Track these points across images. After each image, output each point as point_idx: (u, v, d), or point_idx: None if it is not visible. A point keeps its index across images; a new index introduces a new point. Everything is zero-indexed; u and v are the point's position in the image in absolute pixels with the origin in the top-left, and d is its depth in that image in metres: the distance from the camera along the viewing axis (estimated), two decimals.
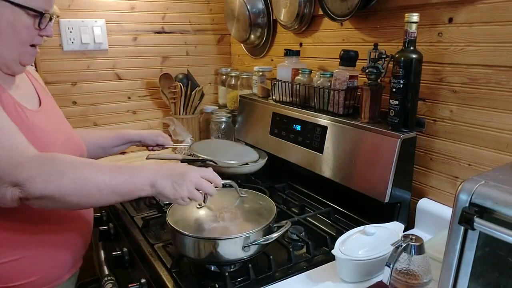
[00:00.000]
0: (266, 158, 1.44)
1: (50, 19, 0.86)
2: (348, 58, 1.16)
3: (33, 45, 0.87)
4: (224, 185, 1.02)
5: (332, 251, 0.87)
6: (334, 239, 0.92)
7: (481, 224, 0.54)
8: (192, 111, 1.83)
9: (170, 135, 1.80)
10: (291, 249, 0.96)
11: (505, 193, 0.54)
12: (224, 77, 1.94)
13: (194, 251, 0.87)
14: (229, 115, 1.76)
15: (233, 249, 0.85)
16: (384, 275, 0.73)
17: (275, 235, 0.89)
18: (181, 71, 1.88)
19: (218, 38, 2.01)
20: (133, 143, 1.28)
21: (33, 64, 1.51)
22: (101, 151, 1.22)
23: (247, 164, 1.38)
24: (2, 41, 0.81)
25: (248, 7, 1.65)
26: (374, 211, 1.08)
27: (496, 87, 0.90)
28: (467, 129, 0.97)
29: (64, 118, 1.05)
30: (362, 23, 1.23)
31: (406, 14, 0.96)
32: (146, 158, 1.56)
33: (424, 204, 1.08)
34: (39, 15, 0.83)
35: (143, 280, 0.97)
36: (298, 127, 1.32)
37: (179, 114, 1.81)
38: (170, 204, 1.04)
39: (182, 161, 1.52)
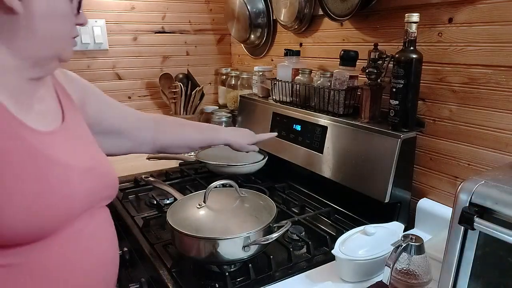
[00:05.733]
0: (266, 158, 1.44)
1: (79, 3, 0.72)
2: (348, 58, 1.16)
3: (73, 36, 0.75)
4: (224, 185, 1.03)
5: (332, 251, 0.87)
6: (334, 239, 0.92)
7: (481, 224, 0.54)
8: (192, 111, 1.83)
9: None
10: (291, 249, 0.96)
11: (505, 193, 0.54)
12: (224, 77, 1.94)
13: (194, 251, 0.87)
14: (229, 115, 1.76)
15: (233, 249, 0.85)
16: (384, 275, 0.73)
17: (275, 235, 0.88)
18: (181, 71, 1.88)
19: (218, 38, 2.01)
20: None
21: None
22: (187, 150, 1.16)
23: (246, 163, 1.38)
24: (38, 38, 0.66)
25: (248, 7, 1.65)
26: (374, 211, 1.08)
27: (496, 87, 0.90)
28: (467, 129, 0.98)
29: (91, 137, 0.83)
30: (362, 23, 1.23)
31: (406, 14, 0.96)
32: (147, 158, 1.57)
33: (424, 204, 1.08)
34: None
35: (143, 280, 0.97)
36: (298, 127, 1.32)
37: (179, 114, 1.81)
38: (170, 204, 1.04)
39: (181, 163, 1.53)
